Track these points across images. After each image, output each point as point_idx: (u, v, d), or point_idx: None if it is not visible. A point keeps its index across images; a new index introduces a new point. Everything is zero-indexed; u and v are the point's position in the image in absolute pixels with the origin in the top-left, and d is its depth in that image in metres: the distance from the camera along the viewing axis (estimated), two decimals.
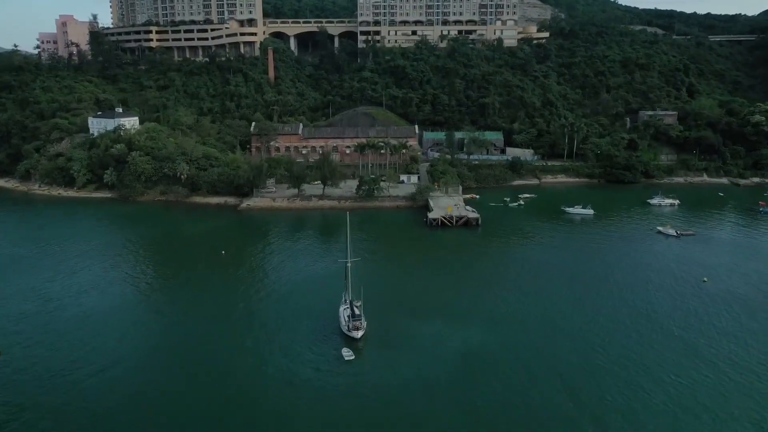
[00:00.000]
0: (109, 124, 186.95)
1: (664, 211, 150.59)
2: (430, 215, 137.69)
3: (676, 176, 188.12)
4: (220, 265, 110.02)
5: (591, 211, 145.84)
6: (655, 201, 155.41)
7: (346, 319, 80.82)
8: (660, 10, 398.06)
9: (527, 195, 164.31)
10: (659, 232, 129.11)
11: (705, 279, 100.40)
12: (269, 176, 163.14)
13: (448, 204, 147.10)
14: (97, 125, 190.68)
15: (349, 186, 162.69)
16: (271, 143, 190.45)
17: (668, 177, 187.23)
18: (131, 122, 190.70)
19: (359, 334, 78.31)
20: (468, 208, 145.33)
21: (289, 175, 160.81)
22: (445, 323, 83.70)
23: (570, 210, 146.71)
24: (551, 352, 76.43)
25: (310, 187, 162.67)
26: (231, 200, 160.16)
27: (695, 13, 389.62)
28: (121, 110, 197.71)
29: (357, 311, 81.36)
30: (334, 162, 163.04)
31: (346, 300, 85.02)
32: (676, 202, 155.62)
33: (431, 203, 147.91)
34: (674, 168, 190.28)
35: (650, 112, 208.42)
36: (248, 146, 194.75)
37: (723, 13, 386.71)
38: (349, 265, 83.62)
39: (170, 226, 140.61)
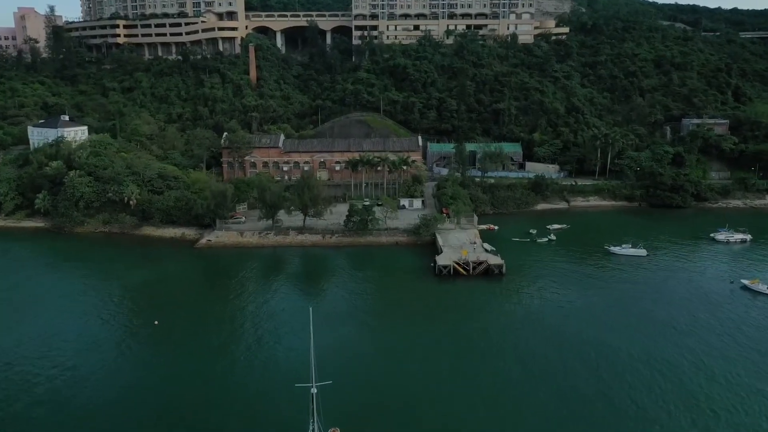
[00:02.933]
0: (51, 134, 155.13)
1: (735, 250, 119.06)
2: (440, 261, 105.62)
3: (733, 198, 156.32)
4: (146, 348, 78.12)
5: (643, 252, 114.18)
6: (722, 236, 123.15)
7: None
8: (682, 5, 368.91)
9: (558, 226, 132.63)
10: (744, 287, 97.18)
11: None
12: (238, 202, 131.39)
13: (460, 241, 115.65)
14: (38, 136, 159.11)
15: (339, 212, 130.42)
16: (246, 158, 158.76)
17: (723, 200, 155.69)
18: (78, 132, 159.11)
19: None
20: (487, 247, 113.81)
21: (260, 202, 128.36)
22: None
23: (616, 250, 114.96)
24: None
25: (289, 216, 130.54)
26: (189, 233, 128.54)
27: (720, 8, 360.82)
28: (67, 117, 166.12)
29: None
30: (318, 186, 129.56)
31: None
32: (748, 237, 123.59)
33: (440, 241, 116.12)
34: (730, 188, 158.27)
35: (696, 120, 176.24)
36: (221, 160, 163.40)
37: (750, 8, 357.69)
38: (314, 391, 51.35)
39: (105, 272, 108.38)
